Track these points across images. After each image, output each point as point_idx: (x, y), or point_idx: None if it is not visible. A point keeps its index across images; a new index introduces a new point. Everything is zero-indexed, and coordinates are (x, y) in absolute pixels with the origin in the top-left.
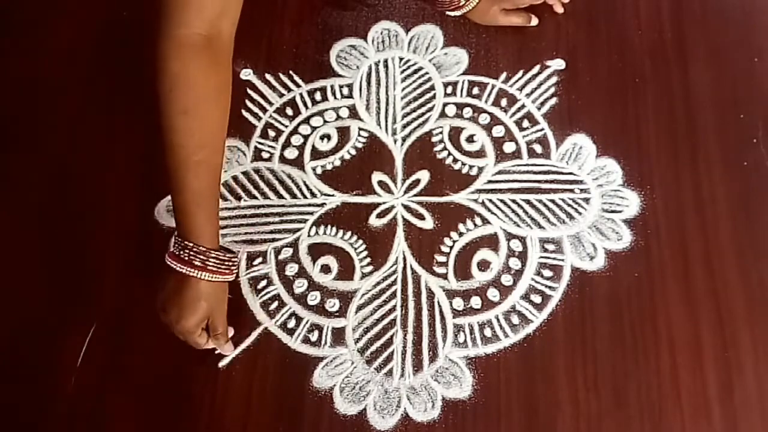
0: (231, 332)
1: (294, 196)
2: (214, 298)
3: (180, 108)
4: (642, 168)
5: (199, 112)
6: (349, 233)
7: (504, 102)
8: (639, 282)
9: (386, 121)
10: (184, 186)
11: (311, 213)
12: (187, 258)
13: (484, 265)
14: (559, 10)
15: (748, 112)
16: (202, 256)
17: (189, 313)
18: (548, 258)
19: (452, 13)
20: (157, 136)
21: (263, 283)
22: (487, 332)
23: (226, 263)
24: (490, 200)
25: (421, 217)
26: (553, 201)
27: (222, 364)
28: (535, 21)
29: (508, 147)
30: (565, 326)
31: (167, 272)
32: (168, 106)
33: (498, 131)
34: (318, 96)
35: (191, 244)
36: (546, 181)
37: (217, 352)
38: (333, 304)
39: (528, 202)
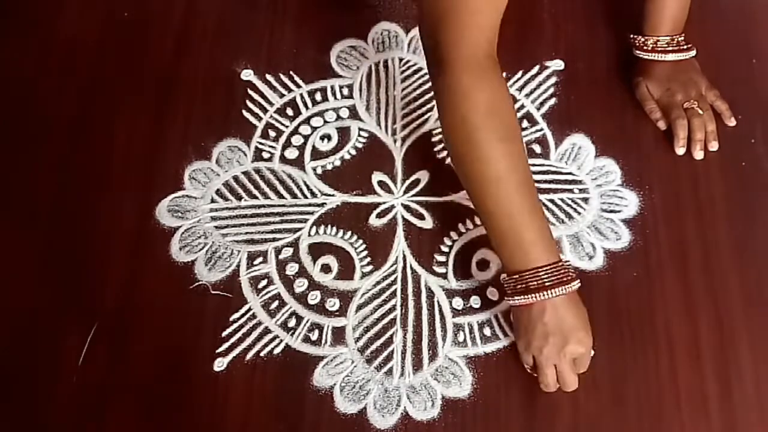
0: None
1: (294, 196)
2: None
3: (499, 135)
4: (641, 168)
5: (516, 135)
6: (349, 233)
7: None
8: (638, 281)
9: (386, 122)
10: (513, 210)
11: (311, 213)
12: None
13: (483, 265)
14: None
15: (746, 113)
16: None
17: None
18: None
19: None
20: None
21: (264, 282)
22: (487, 331)
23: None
24: None
25: (421, 217)
26: (552, 201)
27: (222, 364)
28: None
29: None
30: None
31: (518, 314)
32: (486, 135)
33: None
34: (318, 96)
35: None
36: (545, 181)
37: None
38: (333, 304)
39: None
